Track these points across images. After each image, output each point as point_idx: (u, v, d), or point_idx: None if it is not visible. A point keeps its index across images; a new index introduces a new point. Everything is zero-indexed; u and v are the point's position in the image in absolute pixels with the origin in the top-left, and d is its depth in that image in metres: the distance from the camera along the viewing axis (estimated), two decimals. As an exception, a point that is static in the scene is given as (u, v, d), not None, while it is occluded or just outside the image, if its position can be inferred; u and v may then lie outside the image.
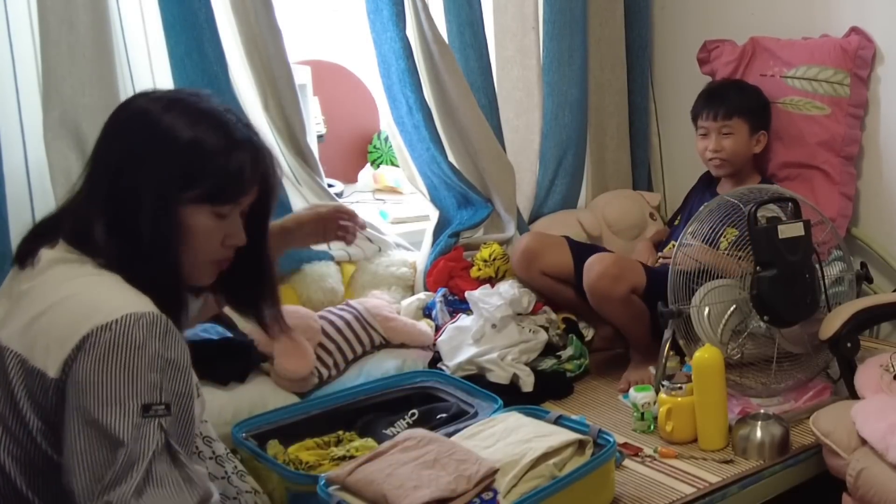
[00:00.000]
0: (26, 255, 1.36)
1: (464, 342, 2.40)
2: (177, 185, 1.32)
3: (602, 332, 2.66)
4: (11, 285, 1.37)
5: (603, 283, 2.37)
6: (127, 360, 1.20)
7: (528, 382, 2.34)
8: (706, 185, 2.77)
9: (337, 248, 2.62)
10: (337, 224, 1.86)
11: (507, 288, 2.49)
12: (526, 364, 2.39)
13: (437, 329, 2.51)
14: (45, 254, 1.33)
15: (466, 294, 2.50)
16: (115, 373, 1.19)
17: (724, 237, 2.23)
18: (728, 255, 2.22)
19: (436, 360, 2.45)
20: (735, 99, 2.66)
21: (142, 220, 1.30)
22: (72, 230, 1.34)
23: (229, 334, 2.19)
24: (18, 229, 2.08)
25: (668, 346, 2.25)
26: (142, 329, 1.21)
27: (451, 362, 2.38)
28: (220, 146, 1.35)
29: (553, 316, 2.57)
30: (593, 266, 2.40)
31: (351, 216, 1.88)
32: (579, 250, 2.60)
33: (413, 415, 2.11)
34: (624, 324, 2.47)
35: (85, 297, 1.26)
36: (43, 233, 1.38)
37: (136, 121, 1.34)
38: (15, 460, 1.26)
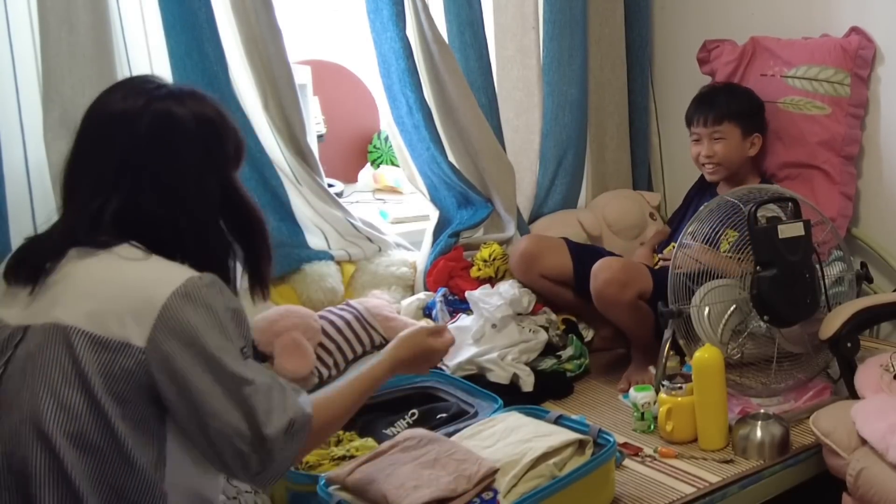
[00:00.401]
0: (38, 271, 1.37)
1: (464, 342, 2.40)
2: (226, 159, 1.45)
3: (602, 332, 2.66)
4: (20, 293, 1.38)
5: (611, 290, 2.36)
6: (212, 316, 1.32)
7: (528, 382, 2.34)
8: (706, 185, 2.76)
9: (337, 248, 2.62)
10: None
11: (507, 288, 2.49)
12: (526, 364, 2.39)
13: (438, 329, 2.51)
14: (70, 252, 1.37)
15: (466, 294, 2.50)
16: (208, 329, 1.30)
17: (725, 239, 2.23)
18: (729, 257, 2.21)
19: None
20: (725, 103, 2.63)
21: (219, 198, 1.43)
22: (106, 228, 1.37)
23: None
24: (18, 229, 2.08)
25: (668, 346, 2.24)
26: (206, 288, 1.33)
27: (451, 362, 2.38)
28: (228, 116, 1.47)
29: (553, 316, 2.56)
30: (600, 272, 2.39)
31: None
32: (578, 252, 2.60)
33: (413, 415, 2.11)
34: (629, 327, 2.47)
35: (137, 272, 1.34)
36: (44, 247, 1.40)
37: (169, 124, 1.39)
38: (68, 437, 1.28)
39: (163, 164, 1.39)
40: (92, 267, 1.35)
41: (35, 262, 1.38)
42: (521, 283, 2.58)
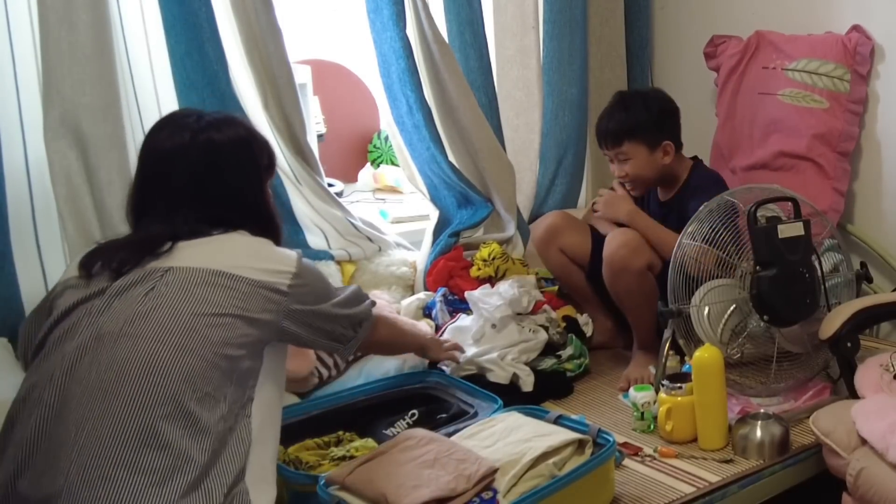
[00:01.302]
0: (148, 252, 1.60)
1: (464, 342, 2.40)
2: (262, 172, 1.76)
3: (600, 326, 2.66)
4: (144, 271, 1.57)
5: (623, 252, 2.38)
6: (318, 270, 1.76)
7: (527, 382, 2.34)
8: None
9: (337, 247, 2.62)
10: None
11: (507, 288, 2.49)
12: (526, 364, 2.39)
13: (438, 329, 2.51)
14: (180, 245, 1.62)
15: (466, 294, 2.50)
16: (323, 279, 1.75)
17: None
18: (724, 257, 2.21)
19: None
20: (620, 122, 2.49)
21: (261, 204, 1.75)
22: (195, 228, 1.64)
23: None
24: (19, 229, 2.08)
25: (668, 345, 2.25)
26: (305, 256, 1.70)
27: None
28: (258, 134, 1.77)
29: (553, 315, 2.56)
30: (615, 237, 2.43)
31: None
32: (599, 240, 2.59)
33: (413, 415, 2.11)
34: (634, 304, 2.45)
35: (259, 243, 1.65)
36: (148, 239, 1.62)
37: (213, 150, 1.67)
38: (211, 346, 1.51)
39: (217, 183, 1.67)
40: (221, 240, 1.62)
41: (141, 250, 1.59)
42: (538, 255, 2.64)
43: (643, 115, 2.49)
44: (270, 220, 1.76)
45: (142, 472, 1.39)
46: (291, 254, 1.67)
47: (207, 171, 1.66)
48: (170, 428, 1.42)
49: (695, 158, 2.60)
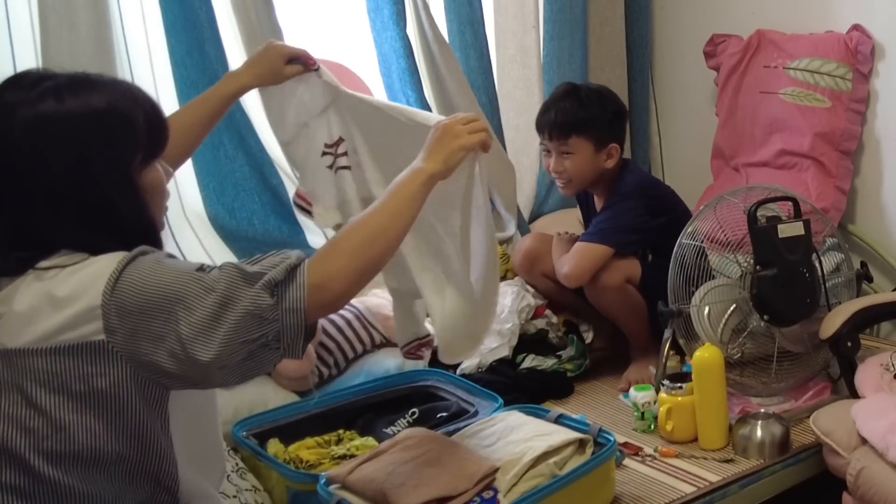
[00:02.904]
0: None
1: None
2: (126, 158, 1.27)
3: (602, 331, 2.66)
4: None
5: (598, 273, 2.34)
6: (148, 279, 1.20)
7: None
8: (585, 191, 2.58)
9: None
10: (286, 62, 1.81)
11: (508, 314, 2.45)
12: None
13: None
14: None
15: None
16: (149, 289, 1.19)
17: None
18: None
19: (436, 358, 2.43)
20: (572, 114, 2.34)
21: (117, 204, 1.26)
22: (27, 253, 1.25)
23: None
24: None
25: (668, 345, 2.24)
26: (131, 265, 1.21)
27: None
28: (129, 104, 1.29)
29: (554, 319, 2.56)
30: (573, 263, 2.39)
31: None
32: None
33: (413, 413, 2.11)
34: (622, 316, 2.45)
35: (64, 283, 1.21)
36: None
37: (39, 130, 1.22)
38: (44, 456, 1.21)
39: (43, 176, 1.22)
40: (26, 286, 1.22)
41: None
42: (524, 281, 2.58)
43: (597, 112, 2.37)
44: (136, 229, 1.28)
45: None
46: (101, 272, 1.19)
47: (29, 161, 1.21)
48: None
49: (623, 160, 2.47)
